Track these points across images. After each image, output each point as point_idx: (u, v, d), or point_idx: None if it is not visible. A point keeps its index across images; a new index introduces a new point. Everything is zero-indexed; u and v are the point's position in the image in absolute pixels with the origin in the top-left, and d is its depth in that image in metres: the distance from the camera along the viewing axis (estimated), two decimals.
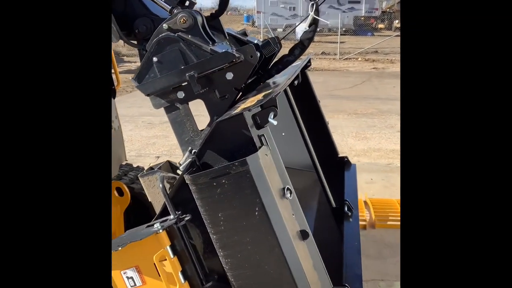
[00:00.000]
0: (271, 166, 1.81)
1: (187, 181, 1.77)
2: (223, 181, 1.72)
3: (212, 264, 1.96)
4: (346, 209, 2.85)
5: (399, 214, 4.44)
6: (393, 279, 3.45)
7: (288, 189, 1.84)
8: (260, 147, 1.79)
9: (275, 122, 1.81)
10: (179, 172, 2.17)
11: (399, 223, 4.27)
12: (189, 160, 1.86)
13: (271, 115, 1.82)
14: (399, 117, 8.27)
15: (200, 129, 2.26)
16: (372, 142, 6.95)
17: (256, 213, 1.74)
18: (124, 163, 3.28)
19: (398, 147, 6.63)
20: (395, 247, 3.91)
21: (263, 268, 1.79)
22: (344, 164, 3.52)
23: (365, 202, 4.77)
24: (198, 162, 1.85)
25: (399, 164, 5.93)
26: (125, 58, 18.31)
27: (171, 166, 2.40)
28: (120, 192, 2.87)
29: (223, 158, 1.83)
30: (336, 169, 3.45)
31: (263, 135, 1.83)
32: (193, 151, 1.89)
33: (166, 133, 7.36)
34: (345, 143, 6.95)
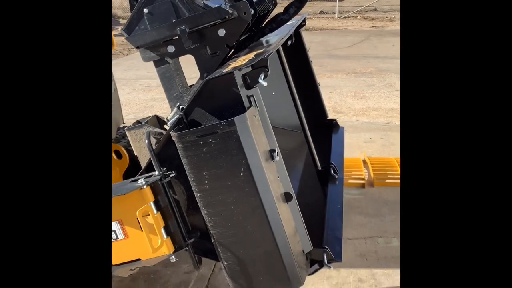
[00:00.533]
0: (258, 127, 1.82)
1: (173, 138, 1.77)
2: (210, 140, 1.72)
3: (195, 221, 1.99)
4: (331, 171, 2.86)
5: (398, 172, 4.47)
6: (391, 236, 3.50)
7: (274, 151, 1.85)
8: (248, 108, 1.78)
9: (265, 83, 1.80)
10: (166, 127, 2.17)
11: (397, 181, 4.30)
12: (177, 116, 1.85)
13: (262, 76, 1.80)
14: (398, 76, 8.21)
15: (189, 85, 2.24)
16: (371, 101, 6.92)
17: (241, 174, 1.75)
18: (121, 126, 3.27)
19: (397, 106, 6.61)
20: (394, 204, 3.95)
21: (245, 228, 1.82)
22: (332, 127, 3.50)
23: (364, 161, 4.78)
24: (186, 119, 1.84)
25: (398, 123, 5.93)
26: (121, 20, 17.99)
27: (158, 121, 2.40)
28: (119, 155, 2.87)
29: (211, 117, 1.82)
30: (324, 131, 3.45)
31: (252, 95, 1.82)
32: (181, 107, 1.87)
33: (164, 96, 7.29)
34: (344, 102, 6.92)
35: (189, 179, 1.80)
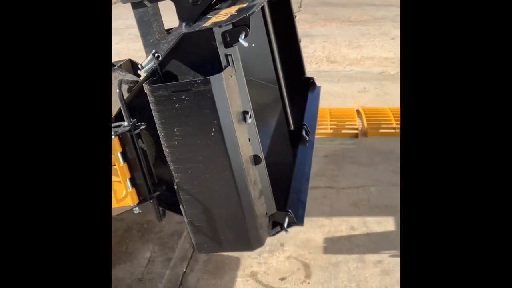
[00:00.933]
0: (234, 88, 1.79)
1: (145, 91, 1.73)
2: (183, 96, 1.69)
3: (161, 174, 1.99)
4: (303, 133, 2.84)
5: (392, 122, 4.45)
6: (384, 185, 3.51)
7: (248, 113, 1.83)
8: (225, 67, 1.74)
9: (245, 44, 1.76)
10: (140, 73, 2.10)
11: (391, 131, 4.29)
12: (151, 64, 1.79)
13: (242, 35, 1.75)
14: (393, 24, 8.07)
15: (166, 29, 2.17)
16: (365, 50, 6.81)
17: (212, 134, 1.74)
18: None
19: (392, 55, 6.52)
20: (387, 154, 3.96)
21: (211, 187, 1.83)
22: (309, 85, 3.43)
23: (358, 111, 4.75)
24: (160, 71, 1.80)
25: (392, 72, 5.86)
26: None
27: (132, 65, 2.33)
28: None
29: (187, 71, 1.79)
30: (301, 89, 3.39)
31: (230, 54, 1.78)
32: (157, 54, 1.81)
33: None
34: (338, 52, 6.81)
35: (159, 134, 1.78)
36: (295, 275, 2.71)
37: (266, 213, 2.00)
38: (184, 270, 2.78)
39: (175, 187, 1.85)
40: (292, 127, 2.88)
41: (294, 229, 3.05)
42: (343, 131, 4.46)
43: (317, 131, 4.47)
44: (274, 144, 2.69)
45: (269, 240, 2.96)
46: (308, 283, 2.65)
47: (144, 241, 3.00)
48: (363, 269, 2.73)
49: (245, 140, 1.85)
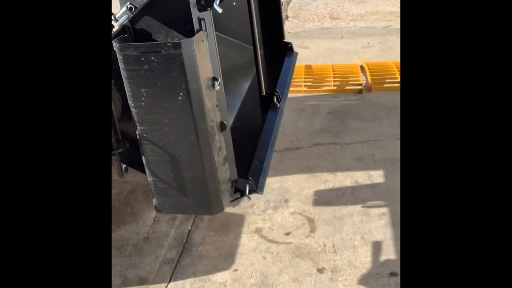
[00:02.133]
0: (205, 53, 1.76)
1: (114, 49, 1.70)
2: (152, 58, 1.66)
3: (126, 130, 1.99)
4: (274, 99, 2.80)
5: (396, 76, 4.37)
6: (388, 139, 3.47)
7: (217, 80, 1.82)
8: (198, 31, 1.71)
9: (220, 10, 1.73)
10: (113, 24, 2.05)
11: (395, 85, 4.22)
12: (125, 17, 1.75)
13: (217, 0, 1.72)
14: None
15: None
16: (369, 5, 6.64)
17: (180, 98, 1.73)
18: None
19: (396, 8, 6.35)
20: (391, 108, 3.91)
21: (175, 150, 1.83)
22: (286, 51, 3.37)
23: (361, 67, 4.67)
24: (131, 27, 1.77)
25: (397, 26, 5.73)
26: None
27: None
28: None
29: (158, 30, 1.76)
30: (278, 53, 3.34)
31: (203, 19, 1.74)
32: (130, 6, 1.76)
33: None
34: (341, 8, 6.65)
35: (126, 92, 1.77)
36: (300, 230, 2.72)
37: (229, 179, 2.02)
38: (190, 228, 2.79)
39: (140, 147, 1.85)
40: (264, 93, 2.84)
41: (298, 185, 3.09)
42: (347, 87, 4.40)
43: (321, 88, 4.43)
44: (244, 108, 2.69)
45: (273, 197, 2.98)
46: (313, 237, 2.66)
47: (149, 202, 3.00)
48: (368, 222, 2.73)
49: (213, 106, 1.84)
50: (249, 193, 2.11)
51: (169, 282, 2.43)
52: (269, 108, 2.82)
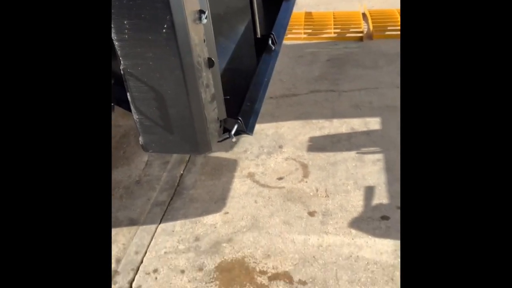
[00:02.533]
0: None
1: None
2: None
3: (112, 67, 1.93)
4: (269, 41, 2.70)
5: (398, 24, 4.24)
6: (387, 87, 3.40)
7: (204, 13, 1.73)
8: None
9: None
10: None
11: (398, 33, 4.10)
12: None
13: None
14: None
15: None
16: None
17: (164, 30, 1.64)
18: None
19: None
20: (392, 56, 3.82)
21: (161, 86, 1.76)
22: None
23: (364, 14, 4.53)
24: None
25: None
26: None
27: None
28: None
29: None
30: None
31: None
32: None
33: None
34: None
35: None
36: (292, 175, 2.69)
37: (218, 118, 1.96)
38: (182, 172, 2.77)
39: (125, 83, 1.78)
40: (259, 35, 2.75)
41: (293, 131, 3.04)
42: (348, 35, 4.29)
43: (321, 36, 4.31)
44: (238, 50, 2.60)
45: (268, 143, 2.95)
46: (306, 181, 2.63)
47: None
48: (362, 167, 2.69)
49: (200, 41, 1.76)
50: (238, 133, 2.07)
51: (159, 224, 2.42)
52: (264, 51, 2.75)
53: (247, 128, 2.11)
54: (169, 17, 1.64)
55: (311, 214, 2.42)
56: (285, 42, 4.30)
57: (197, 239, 2.32)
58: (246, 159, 2.84)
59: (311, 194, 2.55)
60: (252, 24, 2.78)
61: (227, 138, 2.06)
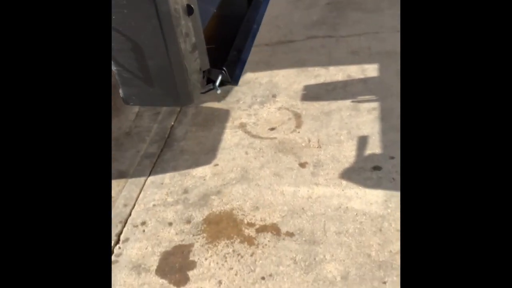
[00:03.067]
0: None
1: None
2: None
3: None
4: None
5: None
6: (388, 31, 3.26)
7: None
8: None
9: None
10: None
11: None
12: None
13: None
14: None
15: None
16: None
17: None
18: None
19: None
20: None
21: (137, 36, 1.70)
22: None
23: None
24: None
25: None
26: None
27: None
28: None
29: None
30: None
31: None
32: None
33: None
34: None
35: None
36: (285, 125, 2.63)
37: (200, 68, 1.89)
38: (172, 123, 2.72)
39: None
40: None
41: (288, 80, 2.96)
42: None
43: None
44: None
45: (261, 92, 2.87)
46: (298, 132, 2.58)
47: None
48: (356, 116, 2.62)
49: None
50: (222, 84, 2.00)
51: (148, 176, 2.41)
52: None
53: (232, 79, 2.04)
54: None
55: (302, 165, 2.38)
56: None
57: (185, 191, 2.30)
58: (238, 109, 2.78)
59: (303, 144, 2.49)
60: None
61: (212, 89, 2.00)
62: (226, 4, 2.66)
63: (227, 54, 2.17)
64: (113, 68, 1.81)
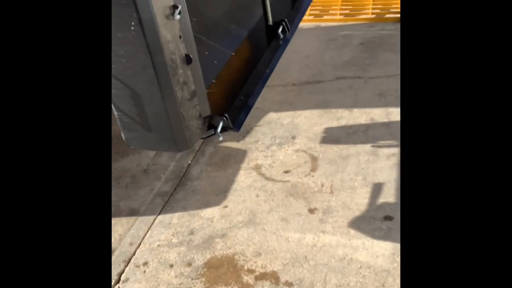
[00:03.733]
0: None
1: None
2: None
3: None
4: (280, 30, 2.60)
5: None
6: None
7: (177, 8, 1.69)
8: None
9: None
10: None
11: None
12: None
13: None
14: None
15: None
16: None
17: (132, 28, 1.62)
18: None
19: None
20: None
21: (135, 84, 1.75)
22: None
23: None
24: None
25: None
26: None
27: None
28: None
29: None
30: None
31: None
32: None
33: None
34: None
35: None
36: (300, 168, 2.59)
37: (200, 115, 1.91)
38: (189, 162, 2.75)
39: None
40: (270, 22, 2.62)
41: (310, 121, 2.93)
42: (387, 16, 4.04)
43: (357, 17, 4.09)
44: (249, 37, 2.52)
45: (281, 133, 2.86)
46: (312, 176, 2.53)
47: None
48: (374, 162, 2.54)
49: (174, 37, 1.72)
50: (224, 130, 2.01)
51: (158, 215, 2.43)
52: (272, 40, 2.64)
53: (234, 125, 2.04)
54: (135, 14, 1.63)
55: (311, 211, 2.32)
56: (319, 24, 4.15)
57: (191, 232, 2.30)
58: (256, 149, 2.77)
59: (316, 189, 2.44)
60: (263, 11, 2.68)
61: (213, 135, 2.01)
62: (245, 46, 2.70)
63: (235, 99, 2.18)
64: (115, 113, 1.86)
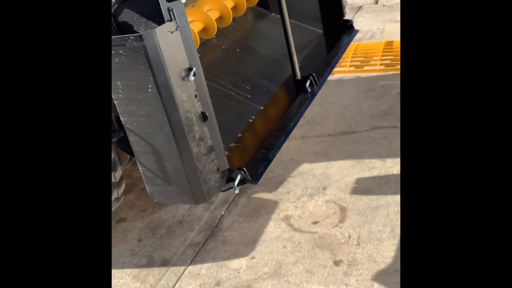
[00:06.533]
0: (174, 44, 1.78)
1: None
2: (120, 51, 1.74)
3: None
4: (307, 83, 2.68)
5: None
6: None
7: (192, 69, 1.83)
8: (169, 21, 1.75)
9: None
10: None
11: None
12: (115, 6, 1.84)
13: None
14: None
15: None
16: None
17: (150, 90, 1.78)
18: None
19: None
20: None
21: (155, 141, 1.89)
22: (345, 28, 3.21)
23: None
24: (114, 20, 1.89)
25: None
26: None
27: None
28: None
29: (138, 23, 1.83)
30: (336, 32, 3.20)
31: (172, 9, 1.75)
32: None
33: None
34: None
35: None
36: (329, 219, 2.61)
37: (217, 169, 2.01)
38: (222, 213, 2.84)
39: (128, 137, 1.93)
40: (298, 77, 2.72)
41: (342, 172, 2.95)
42: None
43: (397, 67, 4.11)
44: (278, 92, 2.62)
45: (313, 184, 2.90)
46: (340, 227, 2.53)
47: None
48: None
49: (189, 97, 1.85)
50: (242, 183, 2.08)
51: (188, 265, 2.51)
52: (299, 94, 2.73)
53: (253, 178, 2.11)
54: (152, 77, 1.79)
55: (337, 263, 2.32)
56: (359, 74, 4.21)
57: (218, 283, 2.36)
58: (287, 200, 2.82)
59: (342, 241, 2.44)
60: (291, 66, 2.79)
61: (231, 188, 2.09)
62: (274, 100, 2.81)
63: (254, 154, 2.26)
64: (139, 167, 2.01)
